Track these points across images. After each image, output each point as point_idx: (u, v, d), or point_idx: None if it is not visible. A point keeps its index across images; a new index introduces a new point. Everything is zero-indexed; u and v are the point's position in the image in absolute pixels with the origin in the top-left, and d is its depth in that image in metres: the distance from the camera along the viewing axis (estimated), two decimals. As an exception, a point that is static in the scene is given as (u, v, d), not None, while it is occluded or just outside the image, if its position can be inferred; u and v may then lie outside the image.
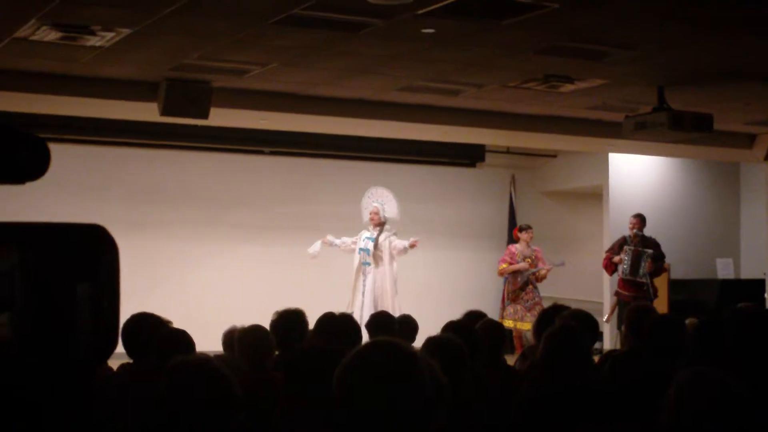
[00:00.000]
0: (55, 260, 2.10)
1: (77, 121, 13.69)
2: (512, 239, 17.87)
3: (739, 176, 18.32)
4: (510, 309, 15.02)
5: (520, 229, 15.35)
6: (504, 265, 15.13)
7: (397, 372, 2.61)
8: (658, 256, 14.67)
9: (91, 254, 2.17)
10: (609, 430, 4.66)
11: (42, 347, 2.04)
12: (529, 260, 14.98)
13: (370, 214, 13.99)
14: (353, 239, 13.97)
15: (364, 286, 13.76)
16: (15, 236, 2.10)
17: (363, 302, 13.60)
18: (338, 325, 7.06)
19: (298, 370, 4.73)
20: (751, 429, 3.72)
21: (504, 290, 15.38)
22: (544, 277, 15.06)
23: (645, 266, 14.49)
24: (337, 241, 13.94)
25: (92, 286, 2.11)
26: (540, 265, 15.02)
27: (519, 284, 14.93)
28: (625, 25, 8.47)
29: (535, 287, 14.97)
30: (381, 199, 14.18)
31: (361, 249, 13.85)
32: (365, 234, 13.96)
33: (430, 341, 5.36)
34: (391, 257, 13.87)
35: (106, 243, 2.21)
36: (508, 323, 14.84)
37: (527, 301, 14.68)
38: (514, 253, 15.10)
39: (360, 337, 7.01)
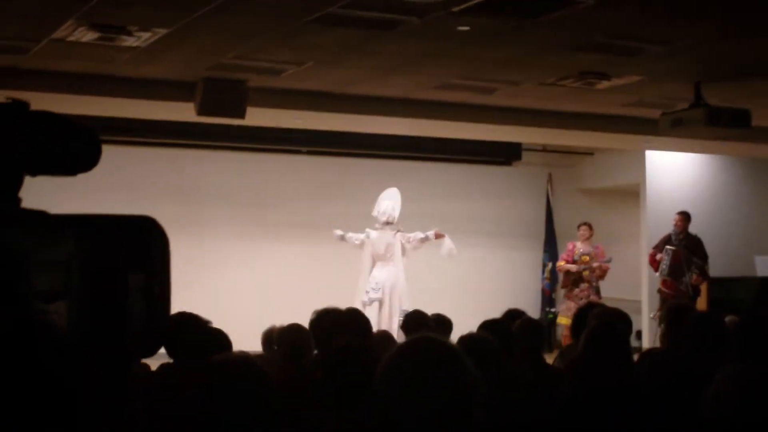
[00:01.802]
0: (109, 250, 2.13)
1: (113, 122, 13.75)
2: (551, 237, 18.00)
3: (777, 172, 18.19)
4: (564, 305, 15.25)
5: (577, 228, 15.45)
6: (561, 263, 15.32)
7: (440, 368, 2.61)
8: (704, 266, 14.68)
9: (143, 245, 2.21)
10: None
11: (96, 336, 2.07)
12: (587, 258, 15.04)
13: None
14: (362, 238, 14.16)
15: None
16: (71, 227, 2.13)
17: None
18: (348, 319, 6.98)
19: (335, 369, 4.70)
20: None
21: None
22: (600, 275, 15.09)
23: (690, 277, 14.51)
24: (346, 235, 14.16)
25: (144, 276, 2.14)
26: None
27: (569, 282, 15.05)
28: (660, 20, 8.43)
29: (592, 285, 15.01)
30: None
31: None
32: (374, 233, 14.17)
33: (464, 339, 5.38)
34: (404, 252, 14.09)
35: (158, 234, 2.25)
36: (562, 320, 15.04)
37: (581, 298, 14.70)
38: (571, 251, 15.22)
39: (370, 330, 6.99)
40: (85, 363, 2.05)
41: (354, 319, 6.90)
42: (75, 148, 2.23)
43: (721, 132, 11.71)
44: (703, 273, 14.75)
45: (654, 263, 14.96)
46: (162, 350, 5.63)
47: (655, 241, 15.26)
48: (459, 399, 2.60)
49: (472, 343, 5.24)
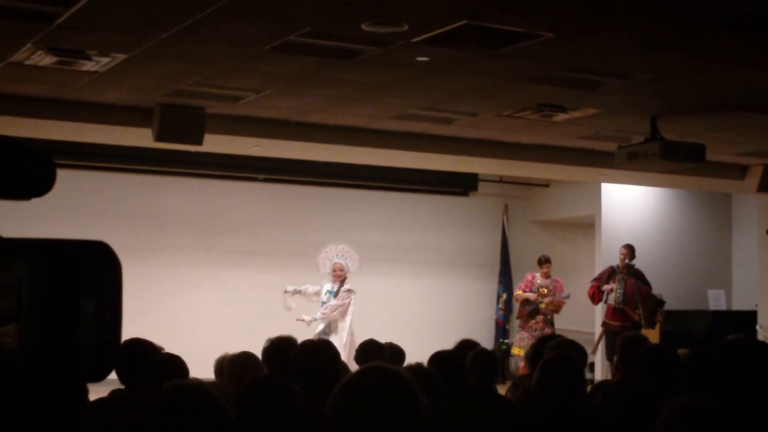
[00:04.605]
0: (61, 274, 2.14)
1: (71, 146, 13.69)
2: (506, 268, 18.04)
3: (731, 207, 18.35)
4: (518, 336, 15.27)
5: (539, 262, 15.43)
6: (519, 292, 15.35)
7: (392, 397, 2.62)
8: (664, 303, 14.98)
9: (95, 270, 2.20)
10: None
11: (46, 359, 2.07)
12: (545, 290, 15.07)
13: (335, 270, 13.98)
14: (316, 289, 13.97)
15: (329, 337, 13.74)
16: (23, 250, 2.13)
17: None
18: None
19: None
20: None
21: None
22: (555, 309, 15.12)
23: (658, 317, 14.79)
24: (300, 288, 13.93)
25: (96, 301, 2.14)
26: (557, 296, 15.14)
27: (525, 312, 15.07)
28: (618, 55, 8.49)
29: (546, 317, 15.03)
30: (343, 255, 14.17)
31: (323, 303, 13.84)
32: (327, 287, 13.95)
33: (405, 370, 5.39)
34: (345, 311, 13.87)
35: (110, 259, 2.24)
36: (516, 350, 15.08)
37: (535, 330, 14.75)
38: (530, 281, 15.24)
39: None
40: (35, 386, 2.05)
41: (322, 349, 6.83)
42: (29, 172, 2.23)
43: (676, 166, 11.80)
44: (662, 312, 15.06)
45: (598, 294, 15.09)
46: (114, 376, 5.61)
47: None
48: (410, 428, 2.60)
49: (413, 373, 5.24)
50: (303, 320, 13.76)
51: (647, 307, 14.74)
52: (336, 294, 13.82)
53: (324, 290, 13.89)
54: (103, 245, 2.24)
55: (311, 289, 14.02)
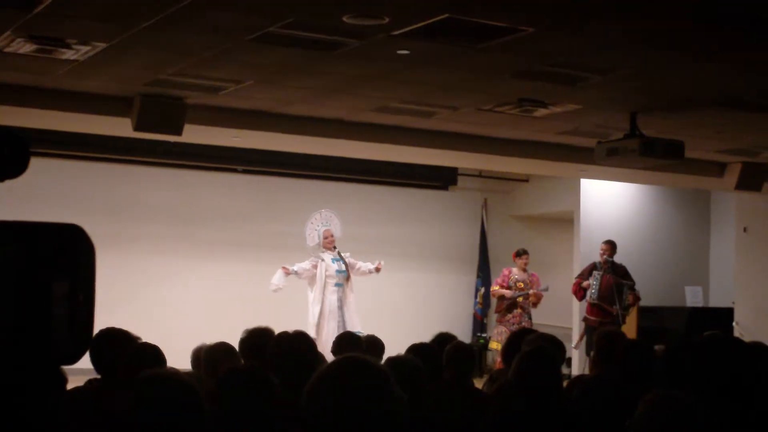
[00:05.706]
0: (35, 257, 2.12)
1: (49, 135, 13.65)
2: (484, 262, 18.03)
3: (710, 204, 18.41)
4: (495, 330, 15.25)
5: (517, 254, 15.40)
6: (496, 287, 15.29)
7: (365, 388, 2.63)
8: (634, 286, 14.88)
9: (68, 252, 2.18)
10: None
11: (18, 341, 2.06)
12: (522, 284, 15.05)
13: (327, 237, 13.95)
14: (311, 263, 13.88)
15: (344, 308, 13.70)
16: None
17: (343, 324, 13.49)
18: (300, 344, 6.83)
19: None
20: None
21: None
22: (534, 302, 15.10)
23: (627, 298, 14.69)
24: (296, 268, 13.83)
25: (69, 284, 2.13)
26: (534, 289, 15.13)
27: (503, 306, 15.04)
28: (599, 50, 8.50)
29: (525, 311, 15.02)
30: (328, 221, 14.15)
31: (338, 271, 13.80)
32: (328, 256, 13.88)
33: (389, 361, 5.41)
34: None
35: (84, 242, 2.23)
36: (494, 344, 15.06)
37: (513, 324, 14.73)
38: (506, 276, 15.20)
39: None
40: (8, 368, 2.04)
41: (298, 341, 6.83)
42: (2, 154, 2.22)
43: (654, 162, 11.83)
44: (635, 295, 14.96)
45: (579, 291, 15.10)
46: (90, 366, 5.60)
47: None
48: (383, 419, 2.61)
49: (398, 365, 5.26)
50: (286, 269, 13.73)
51: (621, 298, 14.73)
52: (345, 261, 13.83)
53: (329, 259, 13.83)
54: (77, 228, 2.23)
55: (305, 264, 13.92)
